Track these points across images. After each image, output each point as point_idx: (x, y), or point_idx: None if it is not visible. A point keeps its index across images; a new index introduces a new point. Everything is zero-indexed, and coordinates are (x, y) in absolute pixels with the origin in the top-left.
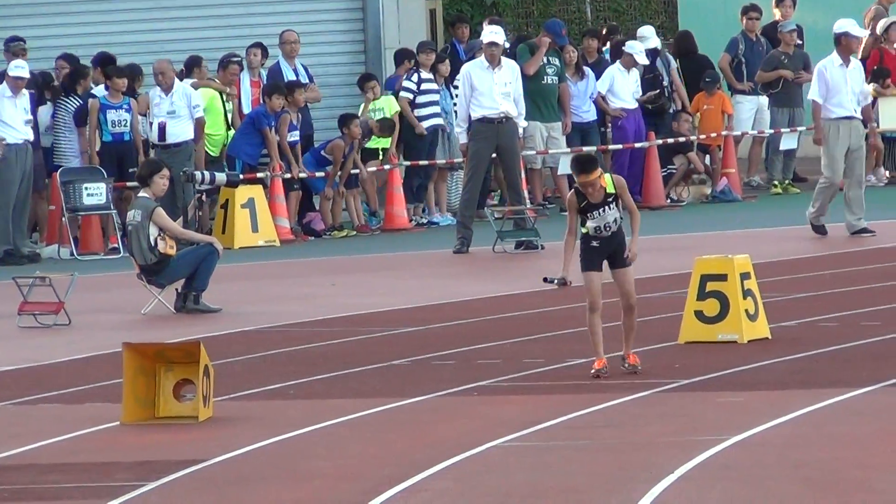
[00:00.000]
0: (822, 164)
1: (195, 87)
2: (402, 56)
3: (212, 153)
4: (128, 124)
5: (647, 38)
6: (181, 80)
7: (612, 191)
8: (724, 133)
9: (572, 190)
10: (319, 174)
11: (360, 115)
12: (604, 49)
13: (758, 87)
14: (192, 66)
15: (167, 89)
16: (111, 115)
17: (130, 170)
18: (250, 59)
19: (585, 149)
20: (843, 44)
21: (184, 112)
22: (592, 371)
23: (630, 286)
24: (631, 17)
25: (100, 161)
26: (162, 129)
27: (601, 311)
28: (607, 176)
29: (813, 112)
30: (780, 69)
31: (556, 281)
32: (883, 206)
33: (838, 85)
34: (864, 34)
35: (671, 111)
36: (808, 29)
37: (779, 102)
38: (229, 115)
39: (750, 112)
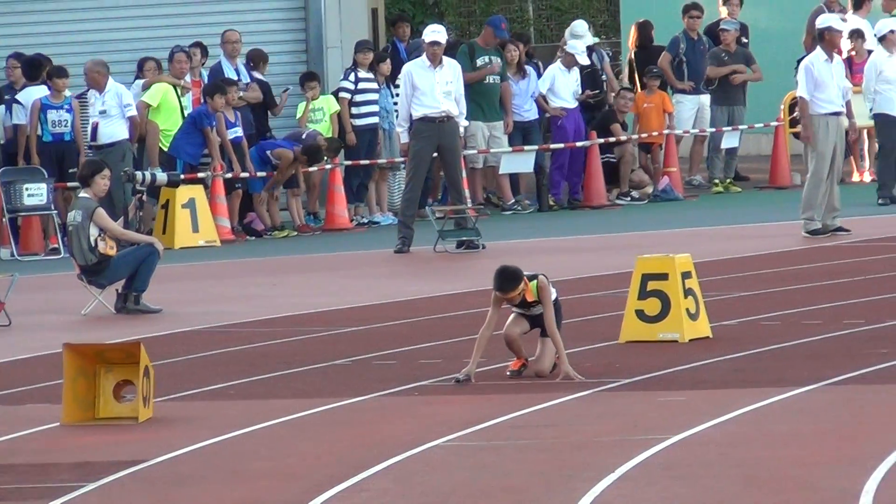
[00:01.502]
0: (808, 161)
1: (147, 84)
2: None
3: (166, 148)
4: (68, 125)
5: (581, 35)
6: (133, 79)
7: (536, 298)
8: (665, 132)
9: (496, 272)
10: (261, 174)
11: (299, 115)
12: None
13: (701, 86)
14: (143, 66)
15: (99, 89)
16: (52, 116)
17: (71, 170)
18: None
19: (527, 148)
20: (827, 39)
21: (115, 112)
22: (509, 372)
23: (544, 366)
24: (573, 16)
25: (40, 161)
26: (94, 130)
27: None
28: (533, 285)
29: (800, 109)
30: (714, 66)
31: (462, 380)
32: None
33: (825, 80)
34: (846, 28)
35: (608, 107)
36: (753, 27)
37: (719, 101)
38: (185, 110)
39: (691, 111)
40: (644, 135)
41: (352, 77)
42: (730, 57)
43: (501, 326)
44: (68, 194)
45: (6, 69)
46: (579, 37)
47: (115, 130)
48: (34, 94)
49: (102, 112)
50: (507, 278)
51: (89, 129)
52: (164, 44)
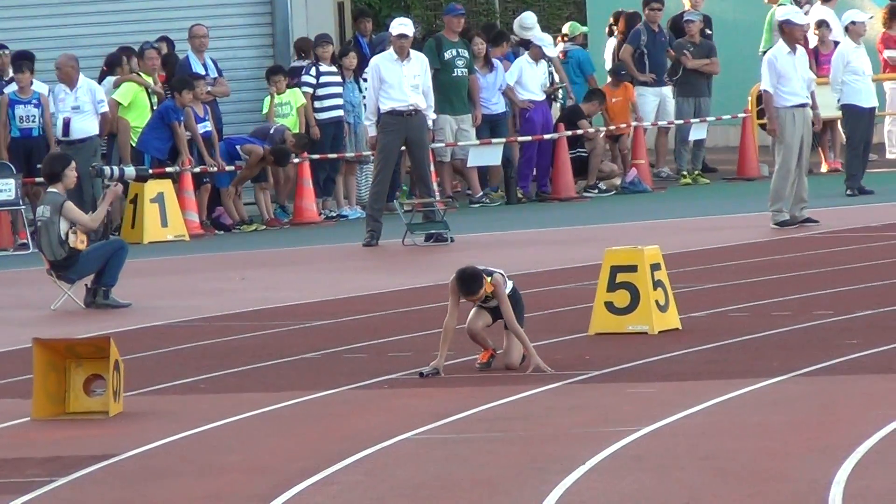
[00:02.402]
0: (776, 153)
1: (117, 83)
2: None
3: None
4: (36, 120)
5: (531, 27)
6: (103, 77)
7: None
8: (633, 124)
9: (455, 276)
10: (229, 168)
11: (266, 109)
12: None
13: (663, 78)
14: (114, 64)
15: (71, 84)
16: (19, 111)
17: (39, 165)
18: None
19: (495, 141)
20: (787, 32)
21: (88, 107)
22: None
23: (512, 359)
24: (539, 9)
25: (8, 157)
26: (66, 125)
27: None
28: (487, 280)
29: (765, 102)
30: (688, 55)
31: (428, 374)
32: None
33: (789, 73)
34: (806, 21)
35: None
36: (718, 19)
37: (685, 93)
38: (155, 108)
39: (653, 103)
40: (612, 127)
41: (313, 71)
42: (695, 48)
43: (464, 316)
44: (36, 189)
45: None
46: (528, 28)
47: (87, 126)
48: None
49: (75, 108)
50: (469, 280)
51: (59, 124)
52: (130, 39)
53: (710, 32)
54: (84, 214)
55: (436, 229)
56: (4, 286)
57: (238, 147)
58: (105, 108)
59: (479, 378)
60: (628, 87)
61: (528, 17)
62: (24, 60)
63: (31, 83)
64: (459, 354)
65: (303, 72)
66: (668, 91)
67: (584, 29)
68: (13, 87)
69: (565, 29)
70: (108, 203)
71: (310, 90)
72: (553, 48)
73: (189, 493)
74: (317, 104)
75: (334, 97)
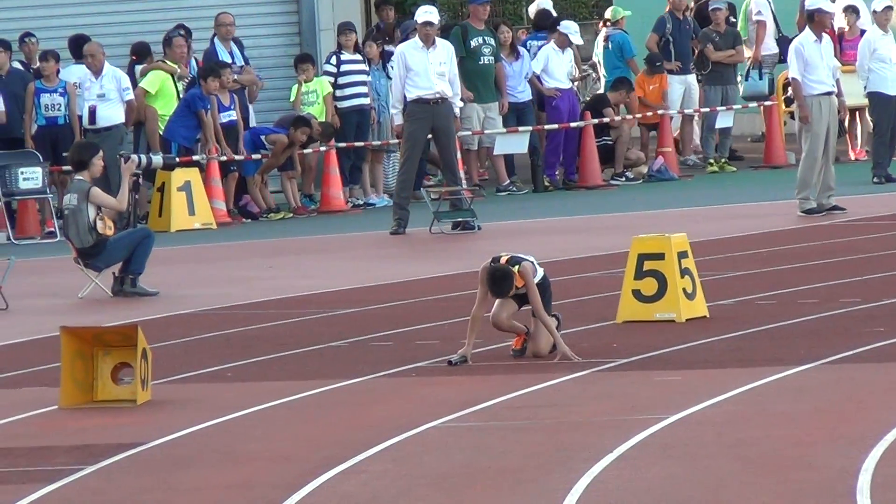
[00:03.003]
0: (802, 142)
1: (145, 71)
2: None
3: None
4: (61, 108)
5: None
6: (133, 67)
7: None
8: (659, 112)
9: (486, 264)
10: (256, 156)
11: (293, 97)
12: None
13: (689, 66)
14: (143, 54)
15: (97, 72)
16: (45, 99)
17: (65, 154)
18: None
19: (521, 129)
20: (817, 20)
21: (114, 95)
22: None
23: (540, 346)
24: None
25: (34, 145)
26: (92, 113)
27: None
28: (516, 269)
29: (794, 91)
30: (712, 47)
31: (456, 362)
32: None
33: (815, 61)
34: (834, 9)
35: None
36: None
37: (711, 81)
38: (181, 96)
39: (679, 91)
40: (639, 116)
41: (333, 60)
42: (720, 37)
43: (493, 304)
44: (63, 178)
45: None
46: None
47: (113, 114)
48: (75, 72)
49: (101, 96)
50: (500, 281)
51: (85, 112)
52: (154, 27)
53: (734, 20)
54: (108, 196)
55: (463, 217)
56: (32, 274)
57: (263, 137)
58: (130, 96)
59: (507, 366)
60: (664, 76)
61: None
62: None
63: (58, 72)
64: (487, 343)
65: (324, 61)
66: (692, 79)
67: (627, 13)
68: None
69: (607, 14)
70: (128, 181)
71: (330, 79)
72: (579, 36)
73: (215, 482)
74: (338, 92)
75: (357, 85)
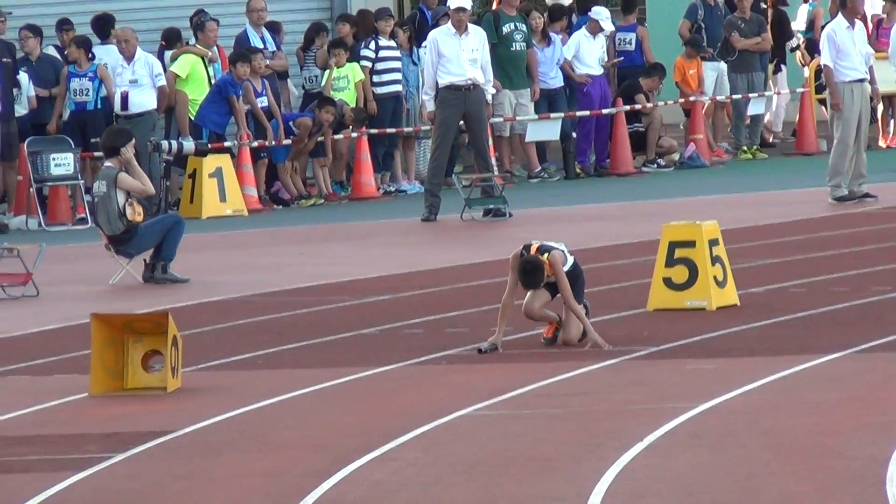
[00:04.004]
0: (834, 129)
1: (175, 56)
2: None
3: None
4: (90, 93)
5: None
6: (162, 52)
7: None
8: (691, 98)
9: (517, 252)
10: (286, 141)
11: (324, 82)
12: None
13: (715, 54)
14: (173, 40)
15: (129, 58)
16: (74, 84)
17: (93, 140)
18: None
19: (553, 115)
20: (850, 6)
21: (146, 81)
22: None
23: (571, 335)
24: None
25: (58, 130)
26: (125, 99)
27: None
28: (545, 258)
29: (826, 77)
30: (737, 35)
31: (486, 350)
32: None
33: (848, 48)
34: None
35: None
36: None
37: (737, 69)
38: (212, 80)
39: (712, 78)
40: (670, 101)
41: (372, 45)
42: (745, 24)
43: (523, 292)
44: (94, 164)
45: (19, 40)
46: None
47: (145, 100)
48: (105, 54)
49: (133, 81)
50: (531, 274)
51: (117, 98)
52: (184, 13)
53: (765, 6)
54: (134, 180)
55: (494, 204)
56: (63, 261)
57: (291, 122)
58: (163, 82)
59: (537, 354)
60: (699, 62)
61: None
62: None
63: (91, 57)
64: (518, 330)
65: (362, 46)
66: (724, 66)
67: None
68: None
69: None
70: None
71: (368, 64)
72: (610, 22)
73: (247, 469)
74: (375, 78)
75: (393, 72)
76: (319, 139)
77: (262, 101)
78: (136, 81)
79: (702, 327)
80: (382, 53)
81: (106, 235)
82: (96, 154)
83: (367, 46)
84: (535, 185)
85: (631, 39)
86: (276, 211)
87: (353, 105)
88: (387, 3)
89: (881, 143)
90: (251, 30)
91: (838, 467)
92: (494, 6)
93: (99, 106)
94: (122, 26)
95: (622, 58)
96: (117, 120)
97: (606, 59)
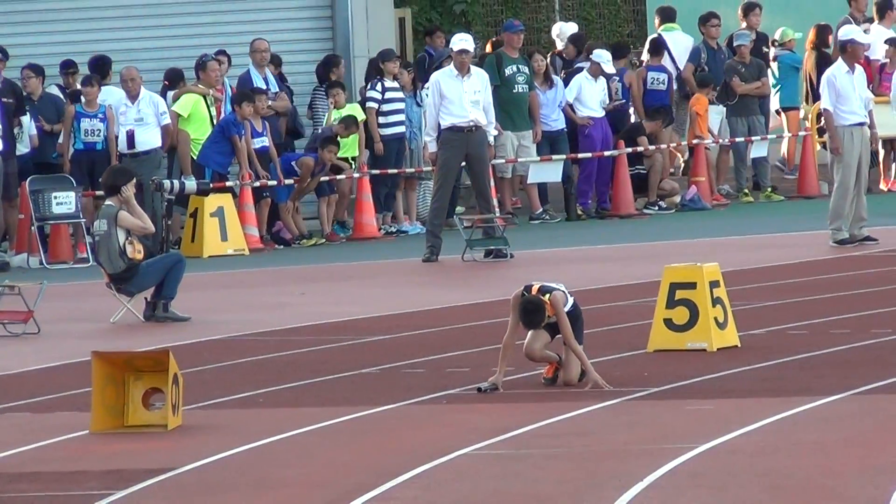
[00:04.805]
0: (834, 172)
1: (177, 95)
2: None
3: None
4: (100, 133)
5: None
6: (165, 92)
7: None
8: (694, 141)
9: (517, 292)
10: (288, 181)
11: (325, 122)
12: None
13: (714, 98)
14: (176, 80)
15: (134, 97)
16: (85, 124)
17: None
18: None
19: (555, 157)
20: (850, 51)
21: (151, 120)
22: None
23: (571, 375)
24: (601, 26)
25: (70, 169)
26: (130, 137)
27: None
28: (547, 298)
29: (826, 121)
30: (737, 79)
31: (486, 389)
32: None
33: (848, 92)
34: (868, 40)
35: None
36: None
37: (737, 112)
38: (215, 120)
39: (716, 120)
40: (673, 145)
41: (378, 87)
42: (745, 68)
43: (524, 332)
44: (99, 202)
45: (21, 80)
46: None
47: (151, 138)
48: (108, 95)
49: (139, 120)
50: (532, 314)
51: (123, 136)
52: (188, 52)
53: (766, 51)
54: (134, 219)
55: (495, 245)
56: (64, 299)
57: (293, 163)
58: (167, 121)
59: (537, 394)
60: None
61: (566, 26)
62: (95, 71)
63: (96, 97)
64: (518, 370)
65: (368, 87)
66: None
67: (797, 35)
68: (118, 92)
69: (777, 35)
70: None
71: (375, 105)
72: (611, 64)
73: None
74: (381, 119)
75: (398, 113)
76: (323, 179)
77: (263, 141)
78: (142, 120)
79: (702, 368)
80: (388, 95)
81: (107, 274)
82: (99, 193)
83: (373, 88)
84: (536, 227)
85: (664, 80)
86: (277, 250)
87: (354, 145)
88: (389, 44)
89: (882, 187)
90: (254, 70)
91: None
92: (489, 49)
93: (106, 146)
94: (123, 66)
95: (624, 100)
96: (121, 159)
97: (608, 102)
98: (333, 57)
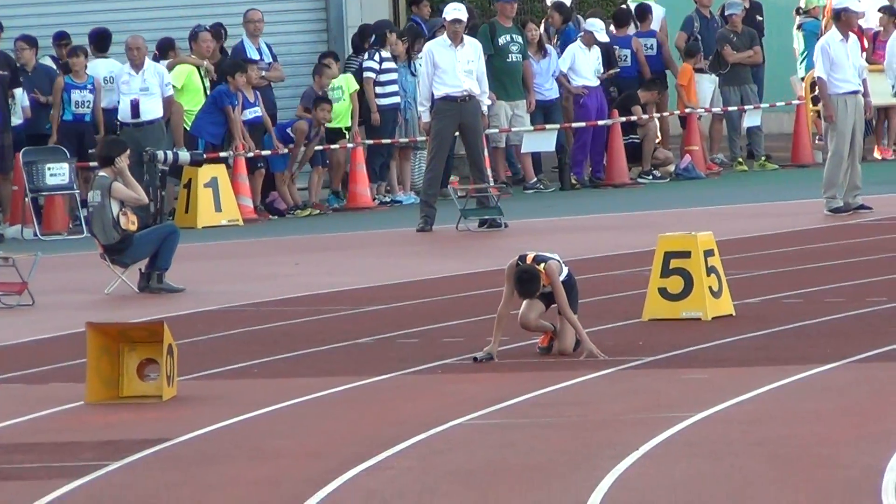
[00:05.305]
0: (829, 140)
1: (171, 66)
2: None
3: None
4: (90, 105)
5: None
6: (154, 60)
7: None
8: (687, 110)
9: (512, 262)
10: (283, 151)
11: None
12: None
13: (706, 67)
14: (166, 49)
15: (138, 66)
16: (75, 96)
17: (91, 151)
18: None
19: (549, 127)
20: (844, 20)
21: (156, 90)
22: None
23: (566, 344)
24: None
25: (59, 140)
26: (135, 107)
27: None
28: (542, 268)
29: (819, 90)
30: (729, 48)
31: (482, 359)
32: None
33: (841, 60)
34: (862, 9)
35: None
36: (773, 4)
37: (729, 82)
38: (208, 91)
39: (709, 89)
40: (666, 114)
41: (377, 57)
42: (737, 37)
43: (519, 301)
44: (88, 174)
45: (15, 51)
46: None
47: (155, 108)
48: (101, 67)
49: (144, 89)
50: (527, 283)
51: (127, 106)
52: (182, 24)
53: (760, 19)
54: (128, 190)
55: (489, 215)
56: (58, 270)
57: (287, 130)
58: (171, 91)
59: (533, 364)
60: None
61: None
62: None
63: (86, 67)
64: (513, 340)
65: (366, 56)
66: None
67: (820, 2)
68: (113, 65)
69: (801, 2)
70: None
71: (373, 75)
72: (604, 33)
73: (242, 478)
74: (379, 90)
75: (392, 83)
76: (317, 148)
77: (255, 112)
78: (148, 89)
79: (697, 337)
80: (385, 66)
81: (101, 245)
82: (91, 164)
83: (371, 58)
84: (530, 196)
85: (652, 44)
86: (271, 221)
87: (348, 115)
88: (382, 15)
89: (876, 155)
90: (248, 41)
91: (834, 477)
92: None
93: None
94: (118, 38)
95: (619, 69)
96: (123, 128)
97: (602, 71)
98: (368, 26)
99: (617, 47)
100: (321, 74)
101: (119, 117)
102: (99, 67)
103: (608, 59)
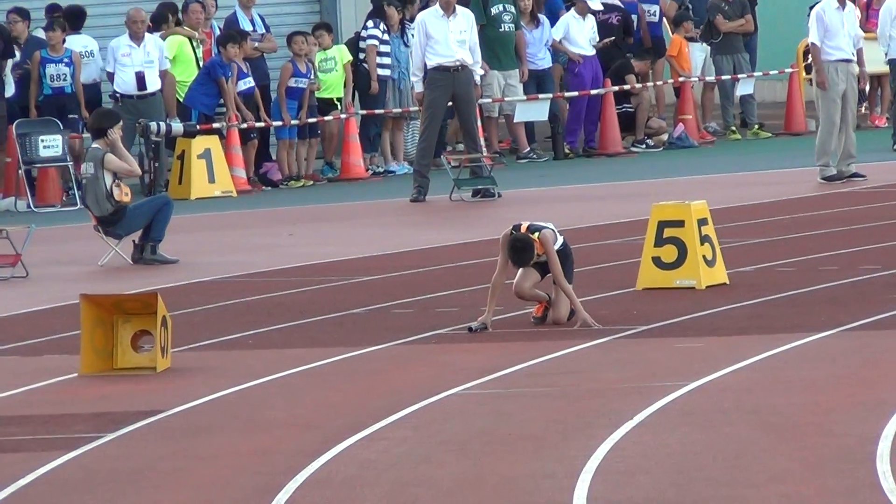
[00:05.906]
0: (818, 108)
1: (164, 36)
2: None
3: (182, 99)
4: (66, 78)
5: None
6: (149, 31)
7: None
8: (680, 79)
9: (506, 232)
10: (277, 123)
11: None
12: None
13: (697, 36)
14: (158, 21)
15: (140, 38)
16: (50, 70)
17: (70, 116)
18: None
19: (542, 96)
20: None
21: (157, 62)
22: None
23: (560, 314)
24: None
25: (40, 114)
26: (140, 79)
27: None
28: (536, 236)
29: (812, 56)
30: (721, 17)
31: (476, 329)
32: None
33: (836, 28)
34: None
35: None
36: None
37: (721, 50)
38: (200, 62)
39: (700, 57)
40: (659, 83)
41: (382, 26)
42: (729, 6)
43: (513, 271)
44: (73, 143)
45: (7, 23)
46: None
47: (157, 79)
48: (76, 43)
49: (148, 62)
50: (521, 251)
51: (132, 78)
52: None
53: None
54: (121, 161)
55: (483, 185)
56: (52, 242)
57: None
58: (168, 65)
59: (527, 333)
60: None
61: None
62: (68, 18)
63: (64, 41)
64: (507, 310)
65: (371, 25)
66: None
67: None
68: (87, 41)
69: None
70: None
71: (375, 43)
72: (598, 1)
73: (236, 448)
74: (380, 60)
75: (385, 55)
76: (311, 120)
77: (248, 83)
78: (151, 62)
79: (691, 306)
80: (385, 36)
81: (95, 216)
82: (85, 135)
83: (376, 26)
84: (523, 166)
85: (655, 11)
86: (265, 192)
87: (340, 86)
88: None
89: (871, 123)
90: (241, 12)
91: (829, 444)
92: None
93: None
94: (102, 12)
95: (613, 37)
96: (122, 100)
97: (597, 40)
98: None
99: (645, 6)
100: (291, 43)
101: (120, 89)
102: (74, 43)
103: (627, 26)
